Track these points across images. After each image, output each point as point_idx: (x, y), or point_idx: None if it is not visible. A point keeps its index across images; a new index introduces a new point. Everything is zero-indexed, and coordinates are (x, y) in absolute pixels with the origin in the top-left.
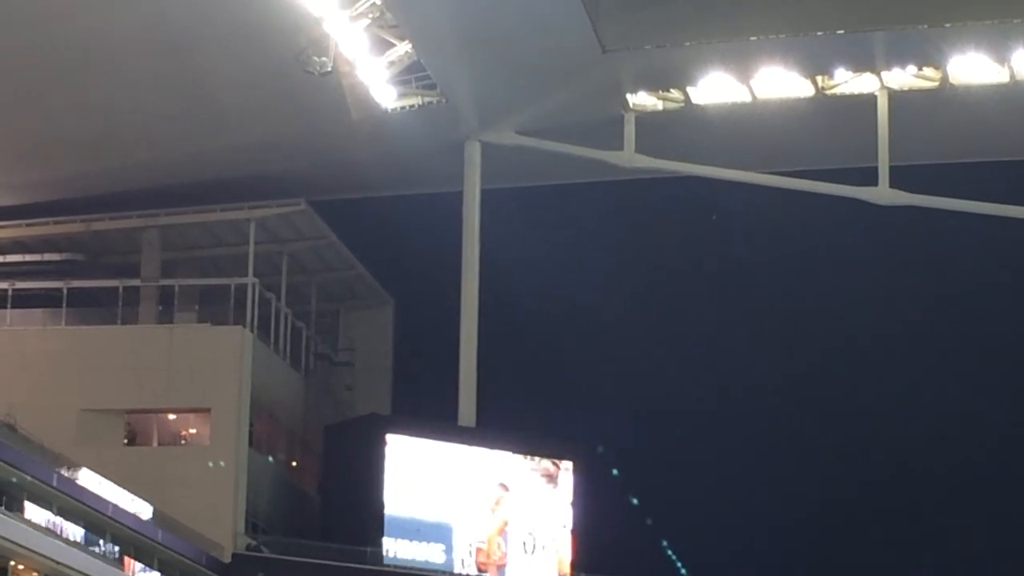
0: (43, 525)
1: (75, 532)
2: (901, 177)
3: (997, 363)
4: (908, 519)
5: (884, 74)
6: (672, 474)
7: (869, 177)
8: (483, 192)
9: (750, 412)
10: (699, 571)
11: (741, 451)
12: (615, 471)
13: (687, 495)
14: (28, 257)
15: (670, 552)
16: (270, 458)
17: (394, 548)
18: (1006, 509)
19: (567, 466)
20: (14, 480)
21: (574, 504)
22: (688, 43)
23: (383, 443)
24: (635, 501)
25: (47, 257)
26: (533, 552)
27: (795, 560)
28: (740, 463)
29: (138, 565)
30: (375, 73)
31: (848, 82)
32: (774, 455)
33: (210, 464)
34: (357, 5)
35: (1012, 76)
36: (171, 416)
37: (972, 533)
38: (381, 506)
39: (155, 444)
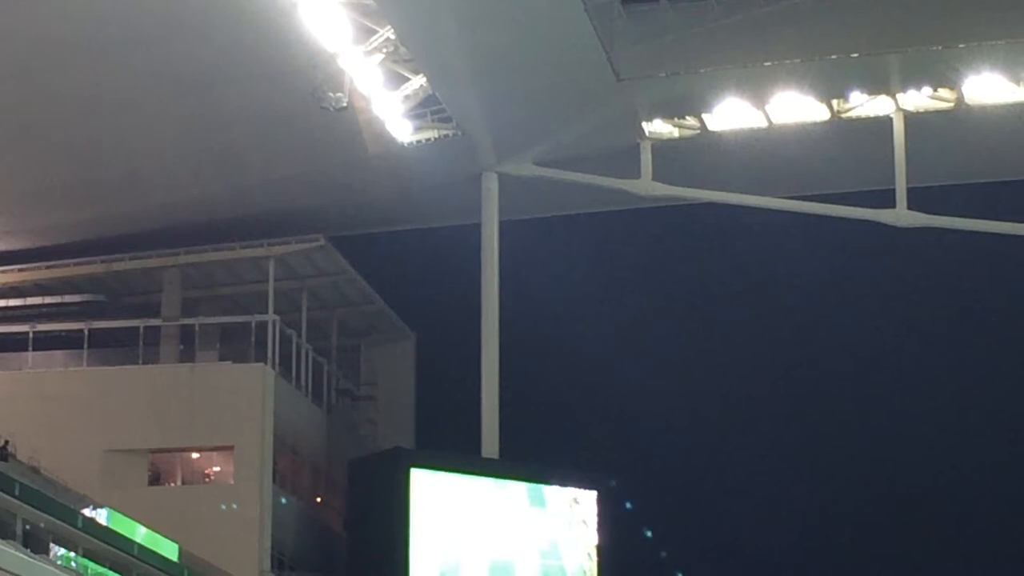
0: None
1: None
2: (919, 199)
3: (1018, 381)
4: (928, 545)
5: (899, 96)
6: (696, 501)
7: (887, 199)
8: (501, 223)
9: (773, 436)
10: None
11: (769, 479)
12: (628, 504)
13: (712, 521)
14: (48, 299)
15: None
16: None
17: None
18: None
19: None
20: (40, 523)
21: (599, 533)
22: (702, 70)
23: (407, 477)
24: (648, 533)
25: (67, 299)
26: None
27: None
28: (767, 490)
29: None
30: (391, 107)
31: (863, 105)
32: (802, 483)
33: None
34: (371, 40)
35: None
36: (195, 455)
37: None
38: (406, 540)
39: (179, 483)
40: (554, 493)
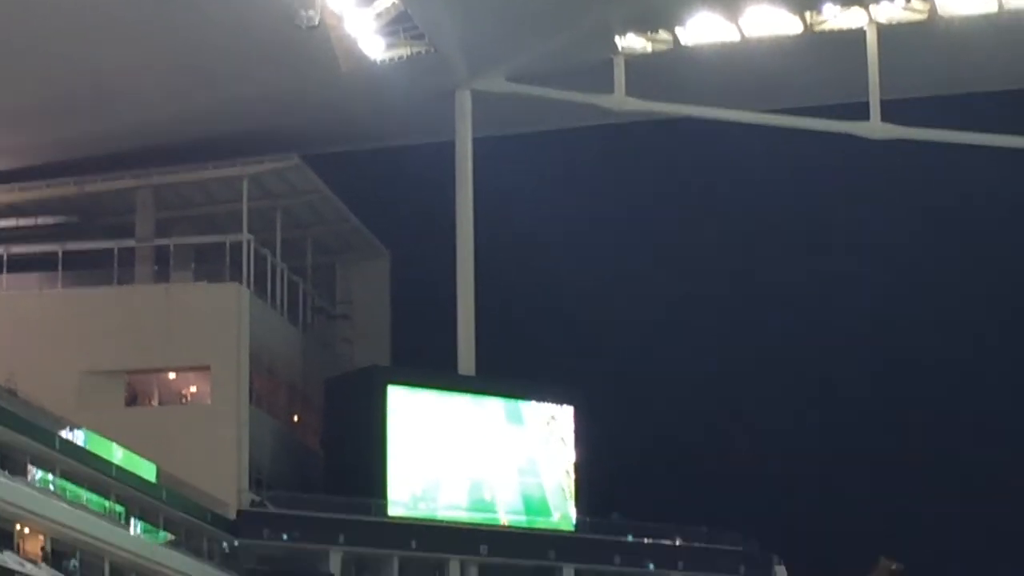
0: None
1: None
2: (892, 111)
3: (990, 291)
4: (917, 461)
5: (872, 8)
6: (672, 413)
7: (860, 112)
8: (475, 140)
9: (745, 347)
10: (703, 510)
11: (740, 387)
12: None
13: (688, 436)
14: (22, 221)
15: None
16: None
17: (398, 499)
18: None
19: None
20: (17, 444)
21: (576, 448)
22: None
23: (384, 395)
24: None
25: (41, 221)
26: None
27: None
28: (739, 398)
29: None
30: (363, 25)
31: (836, 17)
32: (775, 395)
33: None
34: None
35: (1000, 5)
36: (171, 376)
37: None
38: (383, 458)
39: (156, 404)
40: (531, 410)
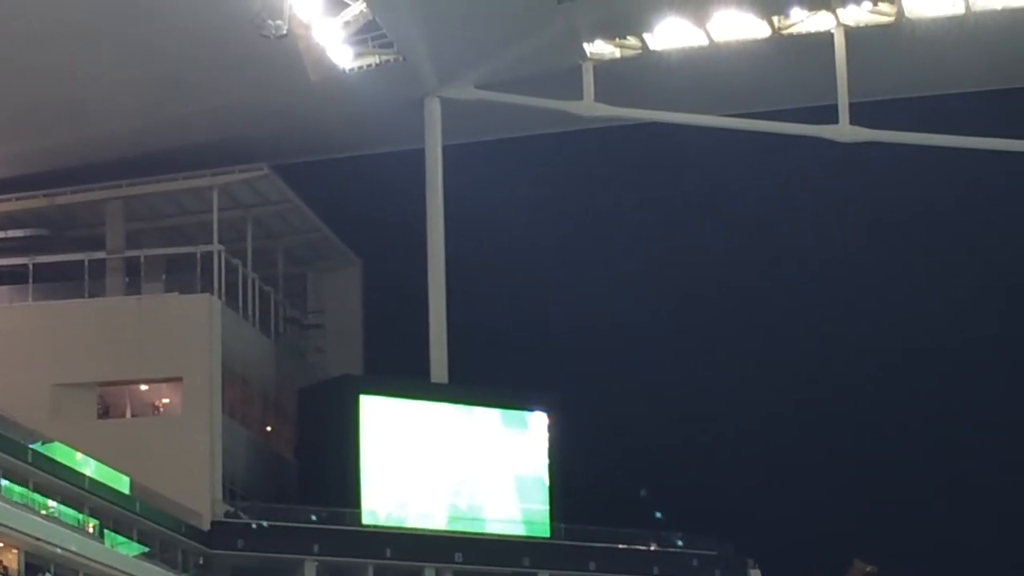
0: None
1: None
2: (861, 114)
3: (963, 293)
4: (891, 464)
5: (840, 11)
6: (647, 418)
7: (829, 115)
8: (445, 148)
9: (719, 351)
10: (678, 514)
11: (715, 391)
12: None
13: (662, 440)
14: None
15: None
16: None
17: (372, 508)
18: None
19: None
20: None
21: (550, 454)
22: None
23: (357, 404)
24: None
25: (11, 233)
26: None
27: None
28: (714, 402)
29: None
30: (331, 34)
31: (804, 21)
32: (750, 398)
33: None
34: None
35: (967, 7)
36: (144, 387)
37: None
38: (357, 467)
39: (129, 416)
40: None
